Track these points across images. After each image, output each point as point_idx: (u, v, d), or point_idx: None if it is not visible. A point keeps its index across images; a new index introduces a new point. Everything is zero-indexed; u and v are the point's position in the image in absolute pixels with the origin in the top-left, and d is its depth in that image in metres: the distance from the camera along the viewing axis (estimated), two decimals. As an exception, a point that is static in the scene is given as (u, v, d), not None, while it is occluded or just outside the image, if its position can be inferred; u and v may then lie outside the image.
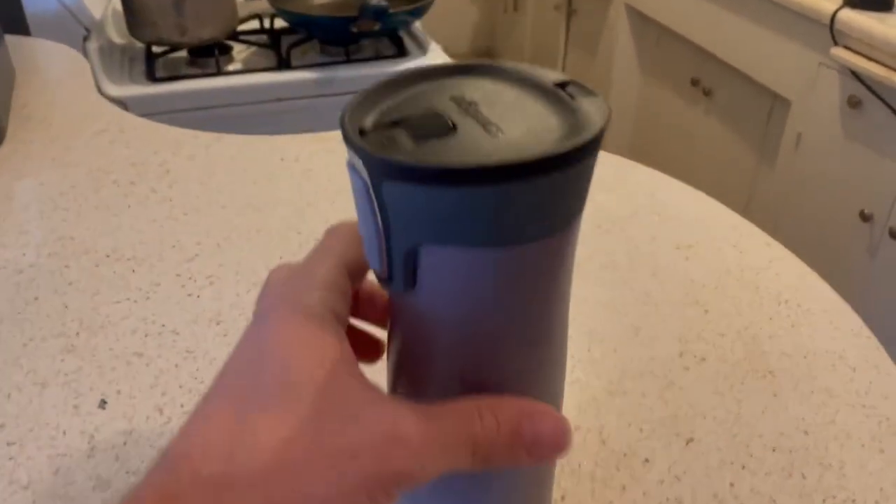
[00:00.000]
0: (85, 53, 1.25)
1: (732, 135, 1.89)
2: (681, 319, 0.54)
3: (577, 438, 0.45)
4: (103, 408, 0.47)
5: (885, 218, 1.45)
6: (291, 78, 1.26)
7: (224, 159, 0.74)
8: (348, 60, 1.31)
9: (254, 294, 0.58)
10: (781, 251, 0.62)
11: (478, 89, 0.26)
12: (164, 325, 0.53)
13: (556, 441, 0.26)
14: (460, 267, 0.24)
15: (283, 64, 1.29)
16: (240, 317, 0.54)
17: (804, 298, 0.56)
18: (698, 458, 0.44)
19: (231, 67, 1.30)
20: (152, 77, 1.23)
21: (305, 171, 0.72)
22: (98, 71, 1.22)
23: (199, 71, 1.27)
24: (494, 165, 0.21)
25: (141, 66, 1.28)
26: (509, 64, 0.27)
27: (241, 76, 1.26)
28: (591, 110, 0.24)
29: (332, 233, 0.28)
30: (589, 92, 0.25)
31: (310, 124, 1.30)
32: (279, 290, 0.27)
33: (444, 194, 0.22)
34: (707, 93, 1.92)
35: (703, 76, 1.92)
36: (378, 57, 1.34)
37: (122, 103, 1.16)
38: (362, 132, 0.23)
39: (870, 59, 1.36)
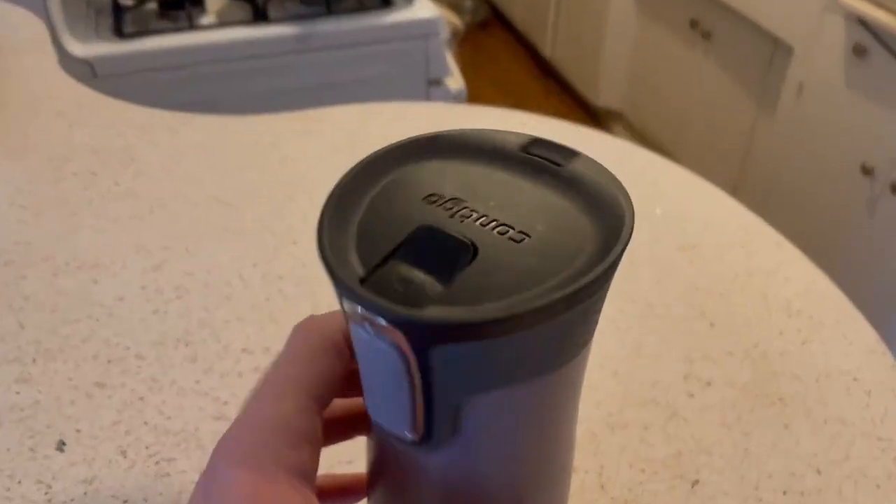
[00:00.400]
0: (46, 8, 1.17)
1: (731, 81, 1.83)
2: (686, 335, 0.51)
3: (575, 482, 0.42)
4: (62, 450, 0.43)
5: (887, 172, 1.41)
6: (269, 33, 1.18)
7: (193, 145, 0.69)
8: (329, 12, 1.24)
9: (224, 311, 0.54)
10: (791, 252, 0.58)
11: (453, 177, 0.22)
12: (127, 348, 0.49)
13: None
14: (511, 404, 0.21)
15: (260, 16, 1.21)
16: (209, 337, 0.50)
17: (816, 308, 0.53)
18: (704, 503, 0.41)
19: (204, 21, 1.22)
20: (120, 32, 1.16)
21: (282, 159, 0.67)
22: (61, 28, 1.15)
23: (169, 25, 1.19)
24: (569, 294, 0.18)
25: (108, 20, 1.20)
26: (464, 134, 0.23)
27: (215, 31, 1.18)
28: (599, 180, 0.22)
29: (298, 352, 0.24)
30: (570, 152, 0.23)
31: (288, 81, 1.24)
32: (246, 438, 0.22)
33: (511, 340, 0.18)
34: (706, 36, 1.85)
35: (702, 18, 1.84)
36: (361, 9, 1.27)
37: (89, 64, 1.09)
38: (362, 281, 0.19)
39: (878, 5, 1.29)
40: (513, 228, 0.20)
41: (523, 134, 0.23)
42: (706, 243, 0.58)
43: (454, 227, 0.20)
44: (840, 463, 0.43)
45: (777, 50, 1.65)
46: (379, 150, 0.22)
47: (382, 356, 0.19)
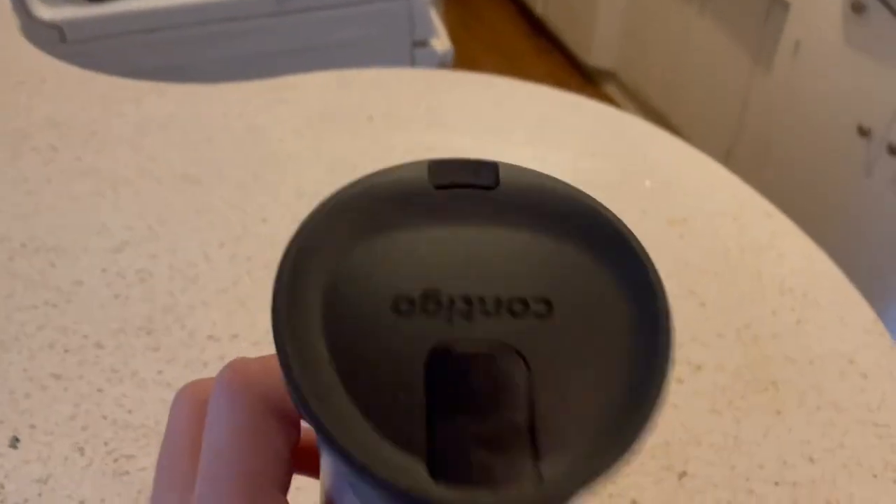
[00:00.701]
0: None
1: (727, 39, 1.78)
2: (675, 316, 0.48)
3: (555, 475, 0.40)
4: (15, 447, 0.41)
5: (884, 133, 1.38)
6: (246, -7, 1.14)
7: (159, 117, 0.65)
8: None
9: (190, 295, 0.51)
10: (784, 223, 0.55)
11: (396, 261, 0.16)
12: (86, 337, 0.47)
13: None
14: None
15: (237, -24, 1.16)
16: (173, 324, 0.47)
17: (810, 286, 0.50)
18: (692, 497, 0.39)
19: (178, -18, 1.17)
20: (90, -5, 1.11)
21: (251, 130, 0.63)
22: (28, -11, 1.10)
23: (142, -14, 1.14)
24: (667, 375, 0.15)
25: (77, -18, 1.14)
26: (365, 189, 0.17)
27: (190, -8, 1.14)
28: (544, 188, 0.17)
29: (246, 434, 0.18)
30: (485, 166, 0.17)
31: (265, 45, 1.19)
32: None
33: None
34: (701, -7, 1.80)
35: (696, -25, 1.79)
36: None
37: (58, 28, 1.04)
38: (432, 474, 0.14)
39: (879, -39, 1.25)
40: (526, 302, 0.15)
41: (416, 163, 0.17)
42: (697, 216, 0.55)
43: (473, 335, 0.15)
44: (834, 451, 0.41)
45: (773, 6, 1.60)
46: (289, 246, 0.16)
47: None
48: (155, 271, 0.51)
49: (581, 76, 2.34)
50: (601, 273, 0.16)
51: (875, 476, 0.40)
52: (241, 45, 1.15)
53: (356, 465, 0.14)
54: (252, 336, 0.47)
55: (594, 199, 0.17)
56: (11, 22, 0.79)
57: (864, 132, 1.41)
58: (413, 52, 1.25)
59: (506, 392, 0.14)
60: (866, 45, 1.38)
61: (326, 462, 0.20)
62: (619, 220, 0.16)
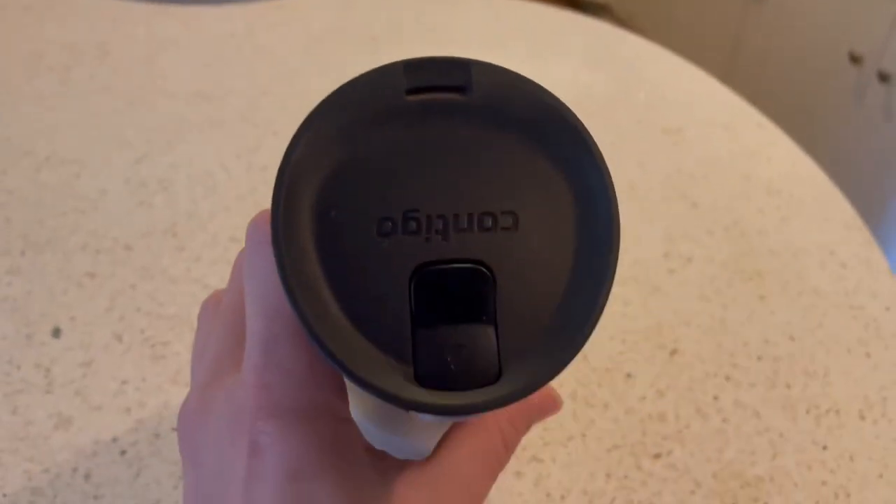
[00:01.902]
0: None
1: (721, -31, 1.78)
2: (667, 215, 0.51)
3: (557, 354, 0.43)
4: (57, 337, 0.44)
5: (876, 60, 1.39)
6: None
7: (167, 37, 0.67)
8: None
9: (211, 202, 0.54)
10: (774, 133, 0.58)
11: (378, 179, 0.17)
12: (115, 240, 0.50)
13: (556, 408, 0.27)
14: None
15: None
16: (196, 228, 0.50)
17: (795, 187, 0.53)
18: (682, 370, 0.43)
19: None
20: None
21: (258, 49, 0.65)
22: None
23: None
24: (613, 276, 0.17)
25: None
26: (340, 102, 0.17)
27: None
28: (519, 91, 0.18)
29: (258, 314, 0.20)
30: (460, 65, 0.18)
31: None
32: (293, 390, 0.20)
33: None
34: (696, -78, 1.78)
35: None
36: None
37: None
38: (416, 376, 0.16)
39: None
40: (495, 216, 0.17)
41: (390, 66, 0.18)
42: (690, 126, 0.58)
43: (449, 253, 0.17)
44: (813, 330, 0.45)
45: (768, -65, 1.60)
46: (279, 178, 0.17)
47: (432, 421, 0.17)
48: (175, 180, 0.54)
49: (575, 8, 2.34)
50: (562, 182, 0.17)
51: (849, 351, 0.44)
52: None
53: (352, 375, 0.16)
54: (271, 237, 0.50)
55: (561, 103, 0.18)
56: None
57: (855, 59, 1.42)
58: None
59: (476, 303, 0.16)
60: (860, -29, 1.38)
61: None
62: (583, 126, 0.18)
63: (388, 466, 0.22)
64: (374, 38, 0.67)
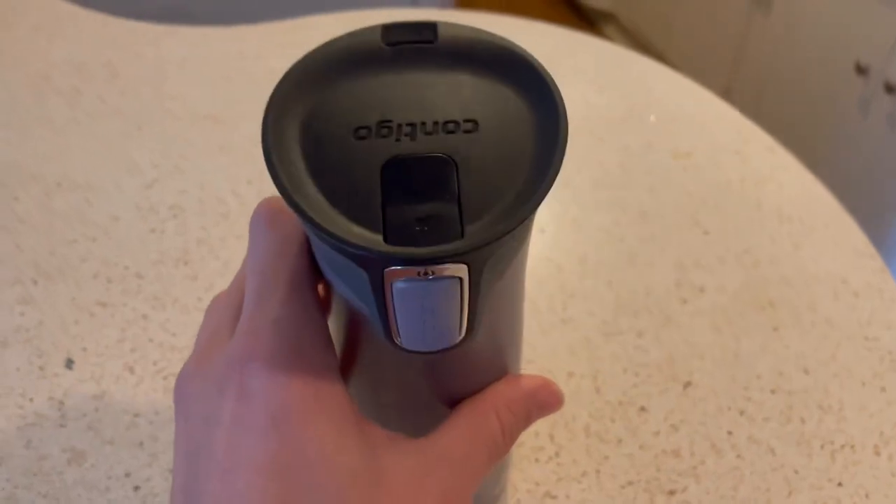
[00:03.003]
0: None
1: (726, -22, 1.78)
2: (678, 243, 0.51)
3: (571, 386, 0.43)
4: (70, 368, 0.44)
5: (882, 70, 1.39)
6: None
7: (176, 58, 0.67)
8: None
9: (222, 229, 0.54)
10: (785, 158, 0.58)
11: (357, 99, 0.20)
12: (127, 268, 0.50)
13: (557, 403, 0.27)
14: (508, 282, 0.22)
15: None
16: (208, 255, 0.50)
17: (807, 213, 0.53)
18: (695, 404, 0.43)
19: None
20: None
21: (268, 72, 0.65)
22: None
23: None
24: (558, 163, 0.19)
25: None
26: (327, 50, 0.21)
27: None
28: (477, 38, 0.21)
29: (281, 244, 0.23)
30: (427, 25, 0.21)
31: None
32: (278, 339, 0.21)
33: (525, 226, 0.20)
34: (700, -70, 1.78)
35: (696, -89, 1.77)
36: None
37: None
38: (386, 239, 0.18)
39: None
40: (458, 123, 0.20)
41: (369, 28, 0.21)
42: (700, 150, 0.58)
43: (417, 149, 0.19)
44: (827, 363, 0.45)
45: (773, -56, 1.59)
46: (269, 103, 0.20)
47: (435, 293, 0.19)
48: (186, 206, 0.54)
49: (580, 18, 2.33)
50: (518, 99, 0.20)
51: (863, 384, 0.44)
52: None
53: (323, 230, 0.18)
54: (283, 265, 0.50)
55: (517, 45, 0.21)
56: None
57: (861, 70, 1.42)
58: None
59: (440, 185, 0.19)
60: (865, -18, 1.38)
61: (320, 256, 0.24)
62: (534, 58, 0.21)
63: (376, 433, 0.22)
64: (383, 59, 0.67)
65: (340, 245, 0.18)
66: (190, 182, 0.55)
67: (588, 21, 2.32)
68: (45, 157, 0.57)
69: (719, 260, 0.50)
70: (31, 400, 0.43)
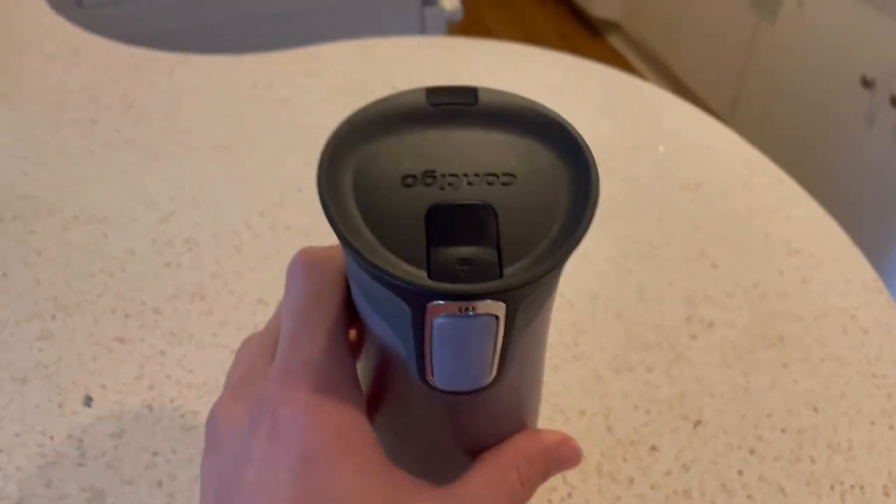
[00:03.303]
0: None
1: (732, -10, 1.78)
2: (687, 277, 0.52)
3: (583, 424, 0.44)
4: (89, 405, 0.45)
5: (888, 83, 1.39)
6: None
7: (189, 88, 0.68)
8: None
9: (236, 262, 0.54)
10: (793, 189, 0.58)
11: (403, 152, 0.22)
12: (144, 303, 0.50)
13: (576, 459, 0.28)
14: (537, 328, 0.23)
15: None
16: (222, 289, 0.51)
17: (815, 247, 0.54)
18: (706, 443, 0.43)
19: (188, -58, 1.17)
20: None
21: (280, 102, 0.66)
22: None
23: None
24: (592, 210, 0.21)
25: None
26: (375, 110, 0.22)
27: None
28: (515, 104, 0.23)
29: (316, 290, 0.24)
30: (468, 90, 0.23)
31: (285, 4, 1.20)
32: (311, 379, 0.22)
33: (558, 271, 0.21)
34: (706, -58, 1.79)
35: (702, -77, 1.78)
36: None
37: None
38: (430, 275, 0.20)
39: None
40: (497, 175, 0.21)
41: (414, 90, 0.23)
42: (708, 181, 0.59)
43: (459, 197, 0.21)
44: (836, 400, 0.45)
45: (779, -43, 1.60)
46: (324, 149, 0.22)
47: (474, 331, 0.20)
48: (201, 240, 0.54)
49: (585, 28, 2.34)
50: (552, 157, 0.22)
51: (873, 423, 0.44)
52: (257, 5, 1.16)
53: (374, 265, 0.19)
54: (297, 300, 0.50)
55: (553, 111, 0.23)
56: (36, -9, 0.80)
57: (867, 83, 1.42)
58: (422, 11, 1.26)
59: (481, 230, 0.20)
60: (872, -4, 1.38)
61: (358, 297, 0.25)
62: (569, 123, 0.22)
63: (402, 479, 0.23)
64: (394, 88, 0.67)
65: (389, 278, 0.19)
66: (204, 215, 0.56)
67: (594, 31, 2.32)
68: (61, 189, 0.58)
69: (728, 294, 0.51)
70: (51, 438, 0.43)
